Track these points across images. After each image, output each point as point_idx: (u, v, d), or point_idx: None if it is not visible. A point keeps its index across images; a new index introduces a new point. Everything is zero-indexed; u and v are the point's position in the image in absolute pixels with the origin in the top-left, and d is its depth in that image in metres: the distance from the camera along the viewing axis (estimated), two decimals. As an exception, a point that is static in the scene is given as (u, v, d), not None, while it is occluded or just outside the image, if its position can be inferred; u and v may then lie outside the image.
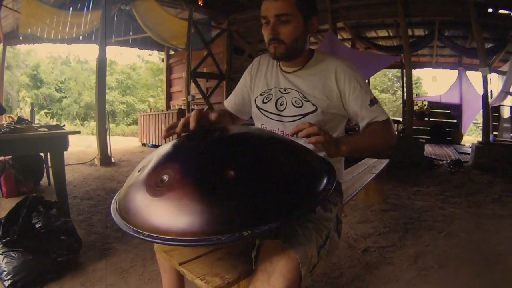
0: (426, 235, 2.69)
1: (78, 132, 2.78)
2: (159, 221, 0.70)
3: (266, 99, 1.32)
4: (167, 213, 0.70)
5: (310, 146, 1.04)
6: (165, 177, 0.75)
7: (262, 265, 0.89)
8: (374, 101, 1.20)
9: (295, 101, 1.25)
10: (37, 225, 1.86)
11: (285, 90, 1.29)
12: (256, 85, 1.40)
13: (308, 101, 1.23)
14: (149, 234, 0.69)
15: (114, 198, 0.92)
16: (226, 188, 0.72)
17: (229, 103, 1.51)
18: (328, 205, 1.16)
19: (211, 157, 0.81)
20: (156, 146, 8.41)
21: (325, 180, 0.85)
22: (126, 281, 1.87)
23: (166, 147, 0.91)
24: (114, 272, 1.95)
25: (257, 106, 1.35)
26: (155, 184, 0.75)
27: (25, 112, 14.15)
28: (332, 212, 1.16)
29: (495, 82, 8.97)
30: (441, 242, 2.57)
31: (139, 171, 0.87)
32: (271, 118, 1.29)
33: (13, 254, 1.71)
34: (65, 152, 2.50)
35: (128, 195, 0.81)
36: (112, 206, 0.87)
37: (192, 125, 1.00)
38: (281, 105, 1.28)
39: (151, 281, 1.88)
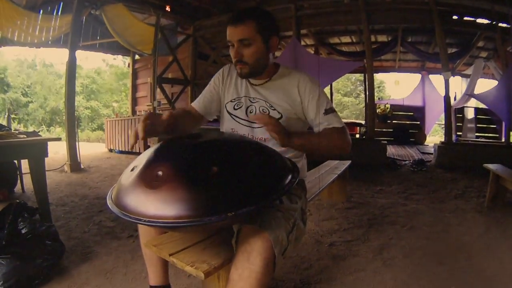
0: (390, 230, 2.83)
1: (59, 139, 2.81)
2: (158, 209, 0.84)
3: (237, 106, 1.48)
4: (164, 202, 0.84)
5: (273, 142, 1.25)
6: (160, 173, 0.89)
7: (241, 246, 1.04)
8: (329, 111, 1.37)
9: (263, 110, 1.42)
10: (23, 231, 1.89)
11: (253, 99, 1.45)
12: (227, 91, 1.54)
13: (275, 109, 1.41)
14: (149, 219, 0.84)
15: (108, 194, 1.02)
16: (212, 180, 0.88)
17: (197, 104, 1.57)
18: (294, 197, 1.34)
19: (197, 157, 0.95)
20: (123, 152, 8.34)
21: (289, 175, 1.03)
22: (111, 282, 1.94)
23: (153, 150, 1.03)
24: (98, 274, 2.01)
25: (228, 111, 1.51)
26: (151, 179, 0.89)
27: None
28: (298, 204, 1.34)
29: (459, 85, 9.23)
30: (405, 235, 2.71)
31: (132, 170, 0.99)
32: (241, 124, 1.46)
33: (1, 261, 1.71)
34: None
35: (126, 189, 0.94)
36: (108, 201, 0.98)
37: (140, 135, 1.07)
38: (250, 112, 1.44)
39: (134, 279, 1.96)
